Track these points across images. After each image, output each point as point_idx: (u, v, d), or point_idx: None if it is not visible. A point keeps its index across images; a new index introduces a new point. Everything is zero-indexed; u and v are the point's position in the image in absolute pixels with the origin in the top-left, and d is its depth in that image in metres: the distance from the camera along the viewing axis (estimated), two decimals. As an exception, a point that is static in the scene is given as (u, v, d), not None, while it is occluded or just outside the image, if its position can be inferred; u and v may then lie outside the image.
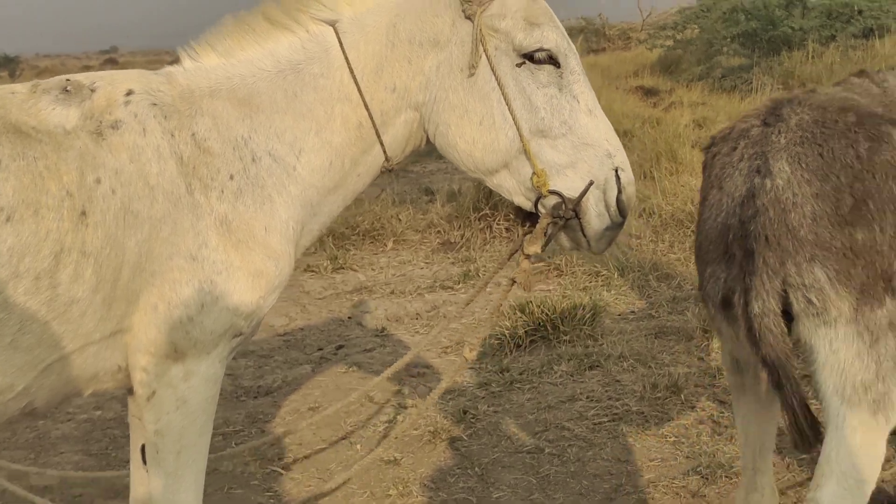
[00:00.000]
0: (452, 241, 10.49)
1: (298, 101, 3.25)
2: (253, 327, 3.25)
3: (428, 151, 3.47)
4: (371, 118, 3.30)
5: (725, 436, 5.52)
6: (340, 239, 10.47)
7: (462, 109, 3.27)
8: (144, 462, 3.25)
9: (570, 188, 3.28)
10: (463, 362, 3.88)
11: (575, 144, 3.27)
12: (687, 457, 5.36)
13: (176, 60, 3.33)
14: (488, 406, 6.19)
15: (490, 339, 7.20)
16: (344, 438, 5.92)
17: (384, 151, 3.37)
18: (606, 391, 6.28)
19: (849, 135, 3.13)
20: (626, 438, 5.63)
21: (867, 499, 3.16)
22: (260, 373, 7.09)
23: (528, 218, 3.45)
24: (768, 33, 22.64)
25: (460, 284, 9.01)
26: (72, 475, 5.08)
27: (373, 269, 9.89)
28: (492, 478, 5.32)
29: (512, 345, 7.07)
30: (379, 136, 3.33)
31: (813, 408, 3.05)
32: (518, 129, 3.24)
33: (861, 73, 3.75)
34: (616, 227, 3.36)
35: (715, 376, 6.26)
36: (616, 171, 3.30)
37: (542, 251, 3.39)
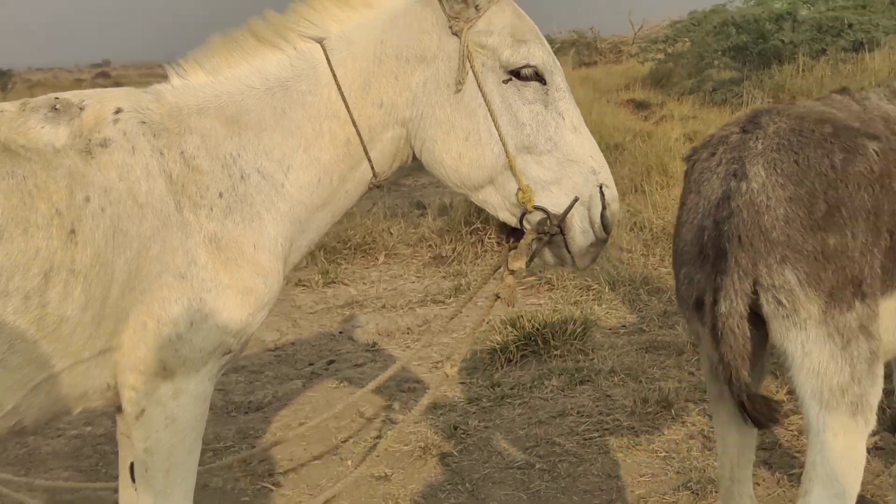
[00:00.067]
0: (444, 255, 10.50)
1: (287, 118, 3.26)
2: (242, 345, 3.25)
3: (418, 166, 3.48)
4: (359, 134, 3.30)
5: (716, 451, 5.52)
6: (332, 253, 10.47)
7: (449, 125, 3.28)
8: (133, 480, 3.24)
9: (555, 204, 3.28)
10: (444, 378, 3.88)
11: (560, 161, 3.28)
12: (677, 472, 5.36)
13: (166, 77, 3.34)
14: (479, 421, 6.19)
15: (481, 354, 7.21)
16: (334, 454, 5.92)
17: (372, 167, 3.37)
18: (597, 406, 6.29)
19: (825, 145, 3.24)
20: (617, 454, 5.63)
21: (853, 501, 3.21)
22: (251, 388, 7.09)
23: (513, 234, 3.45)
24: (759, 47, 22.73)
25: (451, 299, 9.01)
26: (61, 485, 5.08)
27: (364, 284, 9.89)
28: (482, 494, 5.31)
29: (503, 359, 7.07)
30: (367, 153, 3.33)
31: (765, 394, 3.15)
32: (504, 145, 3.24)
33: (843, 91, 3.81)
34: (600, 243, 3.38)
35: (705, 391, 6.26)
36: (600, 187, 3.31)
37: (526, 267, 3.40)
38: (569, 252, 3.37)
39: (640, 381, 6.56)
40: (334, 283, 9.85)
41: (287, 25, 3.32)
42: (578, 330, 7.29)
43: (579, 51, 40.32)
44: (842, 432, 3.13)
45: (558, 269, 8.84)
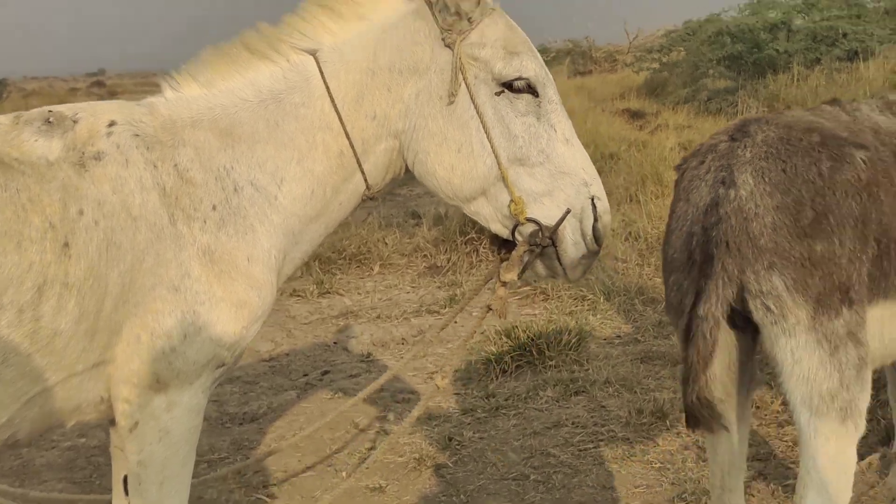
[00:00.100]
0: (439, 265, 10.50)
1: (280, 130, 3.26)
2: (236, 357, 3.26)
3: (412, 177, 3.49)
4: (352, 146, 3.31)
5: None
6: (327, 263, 10.46)
7: (441, 137, 3.29)
8: (126, 493, 3.24)
9: (547, 216, 3.29)
10: (435, 390, 3.88)
11: (552, 173, 3.29)
12: (672, 483, 5.36)
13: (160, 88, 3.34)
14: (474, 432, 6.18)
15: (476, 364, 7.22)
16: (329, 465, 5.91)
17: (365, 179, 3.38)
18: (592, 417, 6.28)
19: (812, 153, 3.29)
20: (612, 465, 5.63)
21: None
22: (245, 399, 7.08)
23: (505, 245, 3.46)
24: (753, 56, 22.77)
25: (446, 309, 9.00)
26: (55, 496, 5.06)
27: (359, 294, 9.88)
28: (477, 504, 5.31)
29: (498, 370, 7.07)
30: (360, 165, 3.34)
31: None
32: (496, 156, 3.25)
33: (833, 102, 3.84)
34: (592, 255, 3.39)
35: (700, 401, 6.26)
36: (592, 199, 3.32)
37: (518, 279, 3.41)
38: (560, 264, 3.38)
39: (635, 392, 6.56)
40: (329, 293, 9.85)
41: (280, 38, 3.33)
42: (573, 340, 7.30)
43: (574, 60, 40.38)
44: (833, 437, 3.20)
45: (551, 281, 8.84)
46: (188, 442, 3.17)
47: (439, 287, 9.85)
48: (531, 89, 3.29)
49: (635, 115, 21.24)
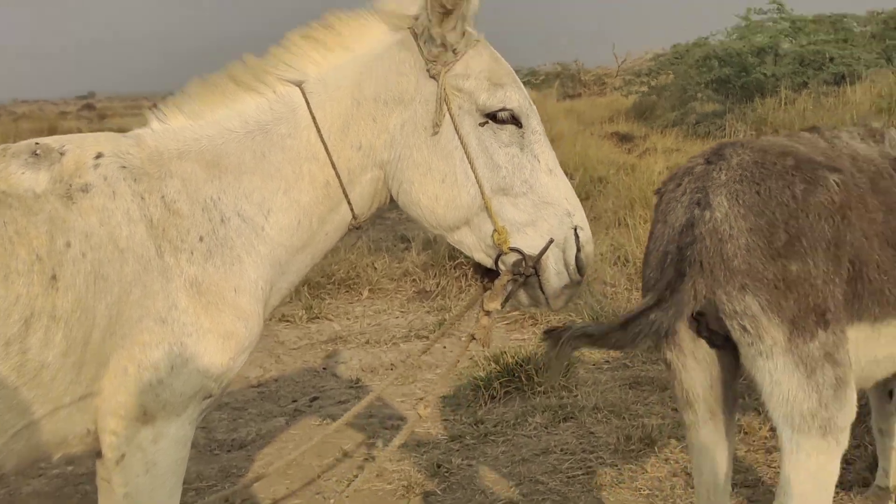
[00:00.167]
0: (428, 289, 10.51)
1: (266, 161, 3.28)
2: (223, 388, 3.26)
3: (397, 206, 3.50)
4: (338, 177, 3.32)
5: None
6: (316, 288, 10.45)
7: (426, 167, 3.31)
8: (113, 525, 3.24)
9: (531, 246, 3.31)
10: (418, 419, 3.89)
11: (535, 203, 3.32)
12: (660, 509, 5.36)
13: (154, 106, 3.36)
14: (462, 459, 6.18)
15: (464, 390, 7.21)
16: (317, 493, 5.90)
17: (351, 209, 3.39)
18: (581, 443, 6.28)
19: (786, 176, 3.35)
20: (601, 492, 5.63)
21: None
22: (234, 425, 7.07)
23: (488, 274, 3.48)
24: (741, 80, 22.93)
25: (435, 333, 8.99)
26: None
27: (348, 319, 9.88)
28: (465, 531, 5.31)
29: (486, 396, 7.07)
30: (346, 195, 3.35)
31: None
32: (480, 186, 3.27)
33: (813, 129, 3.90)
34: (574, 284, 3.41)
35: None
36: (575, 229, 3.34)
37: (501, 308, 3.43)
38: (543, 293, 3.40)
39: (624, 418, 6.56)
40: (318, 318, 9.85)
41: (266, 69, 3.34)
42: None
43: (563, 83, 40.58)
44: (814, 453, 3.27)
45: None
46: (175, 474, 3.17)
47: (428, 312, 9.85)
48: (515, 120, 3.32)
49: (624, 139, 21.35)
